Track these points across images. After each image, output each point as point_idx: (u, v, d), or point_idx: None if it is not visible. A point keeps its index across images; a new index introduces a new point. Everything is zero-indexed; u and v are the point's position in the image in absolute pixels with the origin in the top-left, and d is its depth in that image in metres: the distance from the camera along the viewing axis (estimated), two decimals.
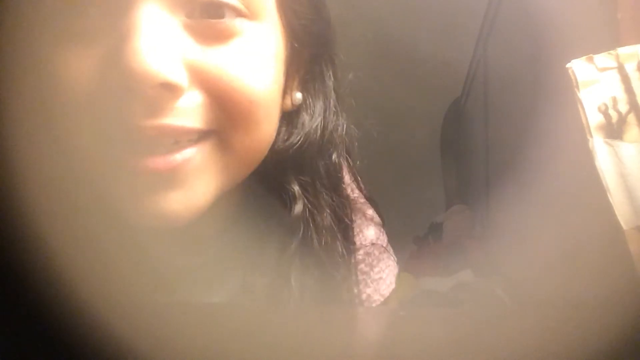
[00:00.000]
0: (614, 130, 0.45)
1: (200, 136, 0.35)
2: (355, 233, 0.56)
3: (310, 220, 0.46)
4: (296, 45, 0.41)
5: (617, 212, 0.43)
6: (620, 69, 0.45)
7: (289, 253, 0.45)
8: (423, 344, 0.40)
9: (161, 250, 0.39)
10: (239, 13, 0.35)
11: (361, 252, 0.55)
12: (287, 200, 0.44)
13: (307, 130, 0.44)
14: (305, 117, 0.44)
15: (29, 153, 0.35)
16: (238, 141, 0.36)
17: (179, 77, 0.33)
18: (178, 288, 0.42)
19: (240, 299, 0.45)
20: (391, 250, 0.64)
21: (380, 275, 0.60)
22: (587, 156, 0.45)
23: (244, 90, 0.35)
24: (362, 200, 0.61)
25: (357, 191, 0.61)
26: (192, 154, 0.34)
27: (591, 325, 0.40)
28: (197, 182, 0.34)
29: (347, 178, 0.60)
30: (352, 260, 0.54)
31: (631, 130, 0.45)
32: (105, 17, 0.33)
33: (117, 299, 0.42)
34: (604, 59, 0.46)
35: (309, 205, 0.46)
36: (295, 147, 0.42)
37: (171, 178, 0.33)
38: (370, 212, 0.60)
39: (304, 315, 0.56)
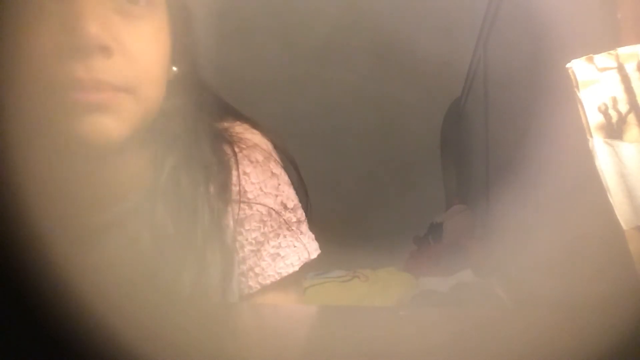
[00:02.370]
0: (614, 130, 0.45)
1: (119, 90, 0.49)
2: (241, 191, 0.59)
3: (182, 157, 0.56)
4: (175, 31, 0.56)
5: (617, 212, 0.43)
6: (620, 69, 0.45)
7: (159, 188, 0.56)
8: (423, 344, 0.40)
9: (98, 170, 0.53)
10: (150, 5, 0.51)
11: (255, 219, 0.59)
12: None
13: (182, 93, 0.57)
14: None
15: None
16: (142, 94, 0.50)
17: (110, 43, 0.47)
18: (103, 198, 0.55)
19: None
20: (304, 232, 0.63)
21: (278, 251, 0.60)
22: (587, 156, 0.45)
23: (149, 57, 0.51)
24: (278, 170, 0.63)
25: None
26: (115, 97, 0.48)
27: (591, 325, 0.40)
28: (119, 115, 0.48)
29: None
30: (230, 214, 0.58)
31: (631, 130, 0.45)
32: (56, 3, 0.47)
33: (114, 297, 0.42)
34: (604, 59, 0.46)
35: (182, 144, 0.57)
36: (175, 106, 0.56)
37: (102, 107, 0.47)
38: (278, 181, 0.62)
39: (304, 315, 0.56)
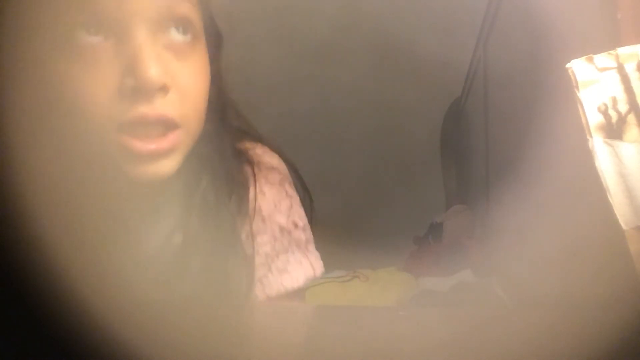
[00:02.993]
0: (614, 130, 0.45)
1: (176, 126, 0.52)
2: (259, 211, 0.62)
3: (209, 178, 0.60)
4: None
5: (617, 212, 0.43)
6: (620, 69, 0.45)
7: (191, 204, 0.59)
8: (423, 344, 0.40)
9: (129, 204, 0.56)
10: (193, 32, 0.53)
11: (267, 234, 0.63)
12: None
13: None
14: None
15: (34, 151, 0.51)
16: (191, 127, 0.54)
17: (168, 81, 0.50)
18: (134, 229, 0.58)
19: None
20: (311, 250, 0.66)
21: (286, 266, 0.64)
22: (587, 156, 0.45)
23: (197, 91, 0.54)
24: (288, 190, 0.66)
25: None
26: (172, 139, 0.52)
27: (591, 325, 0.40)
28: (175, 154, 0.52)
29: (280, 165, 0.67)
30: (247, 227, 0.61)
31: (631, 130, 0.45)
32: (108, 43, 0.49)
33: (115, 297, 0.42)
34: (604, 59, 0.46)
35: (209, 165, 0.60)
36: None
37: (167, 152, 0.51)
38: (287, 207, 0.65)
39: (304, 315, 0.56)
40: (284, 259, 0.64)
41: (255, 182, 0.63)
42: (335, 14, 1.77)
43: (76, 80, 0.49)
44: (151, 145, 0.50)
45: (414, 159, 2.01)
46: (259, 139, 0.68)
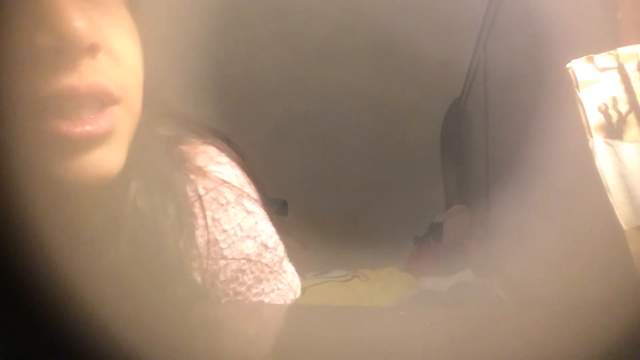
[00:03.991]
0: (614, 130, 0.45)
1: (114, 99, 0.39)
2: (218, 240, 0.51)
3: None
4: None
5: (617, 212, 0.43)
6: (620, 69, 0.45)
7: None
8: (423, 344, 0.40)
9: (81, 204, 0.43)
10: None
11: (232, 271, 0.52)
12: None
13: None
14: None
15: None
16: (131, 104, 0.41)
17: (98, 39, 0.37)
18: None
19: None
20: (286, 270, 0.56)
21: (262, 297, 0.54)
22: (587, 156, 0.45)
23: (135, 58, 0.41)
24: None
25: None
26: (111, 117, 0.39)
27: (591, 325, 0.40)
28: (116, 138, 0.39)
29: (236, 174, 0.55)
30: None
31: (631, 130, 0.45)
32: None
33: (116, 302, 0.42)
34: (604, 59, 0.46)
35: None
36: None
37: (102, 140, 0.38)
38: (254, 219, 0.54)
39: (304, 315, 0.56)
40: (258, 290, 0.54)
41: (203, 210, 0.51)
42: (336, 14, 1.77)
43: None
44: (84, 127, 0.37)
45: (414, 159, 2.01)
46: (200, 135, 0.55)
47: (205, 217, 0.50)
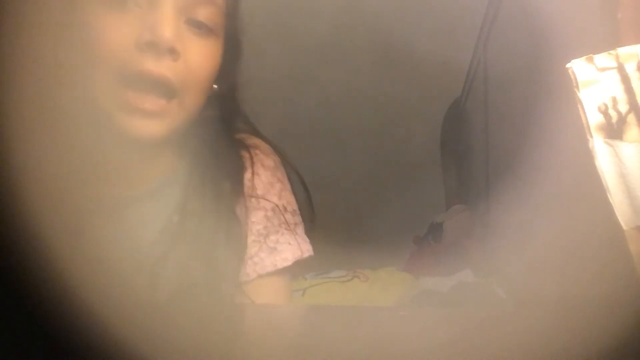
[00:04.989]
0: (614, 130, 0.45)
1: (173, 93, 0.58)
2: (253, 188, 0.68)
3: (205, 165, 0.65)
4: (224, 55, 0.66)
5: (617, 212, 0.43)
6: (620, 69, 0.45)
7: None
8: (423, 344, 0.40)
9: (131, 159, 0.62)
10: (212, 26, 0.61)
11: (260, 213, 0.67)
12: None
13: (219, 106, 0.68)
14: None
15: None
16: (186, 101, 0.59)
17: (179, 48, 0.57)
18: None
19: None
20: (300, 234, 0.70)
21: (276, 245, 0.68)
22: (587, 156, 0.45)
23: (203, 70, 0.61)
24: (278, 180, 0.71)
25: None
26: (166, 106, 0.58)
27: (591, 325, 0.40)
28: (165, 120, 0.58)
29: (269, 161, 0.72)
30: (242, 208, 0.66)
31: (631, 130, 0.45)
32: (140, 6, 0.56)
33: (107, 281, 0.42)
34: (604, 59, 0.46)
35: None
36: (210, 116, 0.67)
37: (154, 114, 0.57)
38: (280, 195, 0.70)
39: (304, 315, 0.56)
40: (274, 239, 0.68)
41: (252, 164, 0.69)
42: (335, 14, 1.77)
43: (108, 25, 0.56)
44: (145, 104, 0.56)
45: (414, 159, 2.01)
46: (257, 134, 0.74)
47: (252, 169, 0.68)
